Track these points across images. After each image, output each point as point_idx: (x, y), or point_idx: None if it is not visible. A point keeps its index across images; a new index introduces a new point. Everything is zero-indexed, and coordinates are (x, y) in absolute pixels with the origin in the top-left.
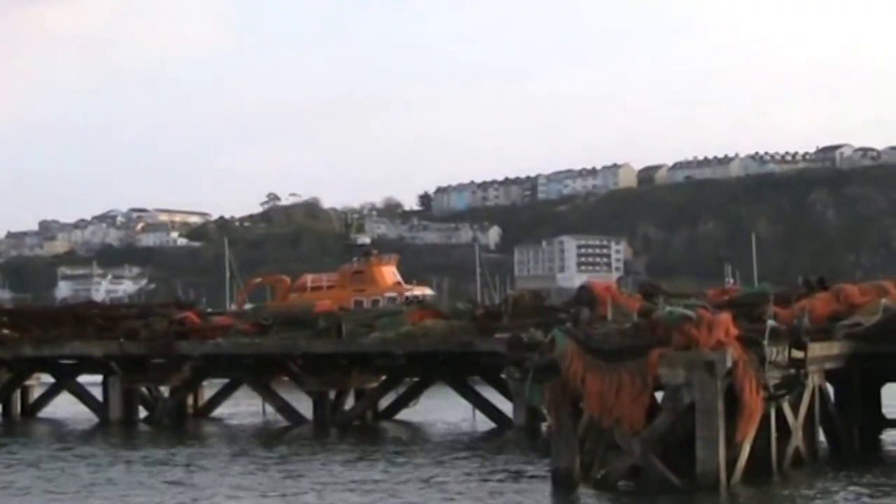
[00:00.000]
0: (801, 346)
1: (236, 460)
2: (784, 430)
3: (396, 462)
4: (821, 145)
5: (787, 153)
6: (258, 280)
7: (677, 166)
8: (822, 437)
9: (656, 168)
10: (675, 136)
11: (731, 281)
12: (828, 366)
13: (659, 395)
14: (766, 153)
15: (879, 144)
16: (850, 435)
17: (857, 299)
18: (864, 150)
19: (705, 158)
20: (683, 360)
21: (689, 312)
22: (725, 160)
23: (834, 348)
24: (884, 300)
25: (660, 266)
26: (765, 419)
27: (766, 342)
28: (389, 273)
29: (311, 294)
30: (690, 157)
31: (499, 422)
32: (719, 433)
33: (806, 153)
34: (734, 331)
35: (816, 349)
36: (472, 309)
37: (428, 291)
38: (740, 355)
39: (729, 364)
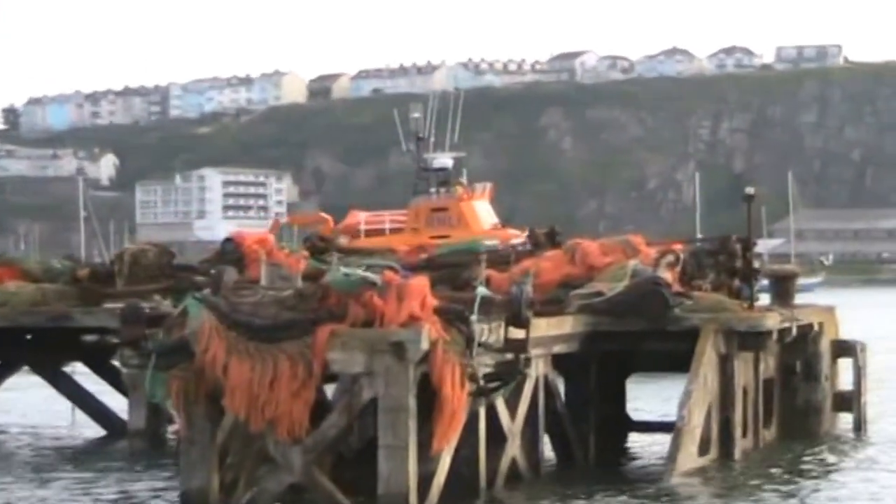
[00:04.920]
0: (522, 324)
1: None
2: (497, 435)
3: None
4: (556, 52)
5: (510, 61)
6: (285, 220)
7: (362, 75)
8: (548, 444)
9: (334, 77)
10: (360, 36)
11: None
12: (557, 349)
13: (330, 389)
14: (483, 60)
15: (633, 53)
16: (584, 442)
17: (599, 260)
18: (613, 59)
19: (401, 66)
20: (363, 341)
21: (371, 276)
22: (428, 69)
23: (566, 326)
24: (633, 262)
25: (338, 211)
26: (472, 421)
27: (474, 317)
28: (484, 210)
29: (367, 240)
30: (381, 65)
31: (108, 426)
32: (410, 440)
33: (536, 62)
34: (432, 301)
35: (542, 327)
36: (73, 268)
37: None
38: (440, 334)
39: (425, 346)
